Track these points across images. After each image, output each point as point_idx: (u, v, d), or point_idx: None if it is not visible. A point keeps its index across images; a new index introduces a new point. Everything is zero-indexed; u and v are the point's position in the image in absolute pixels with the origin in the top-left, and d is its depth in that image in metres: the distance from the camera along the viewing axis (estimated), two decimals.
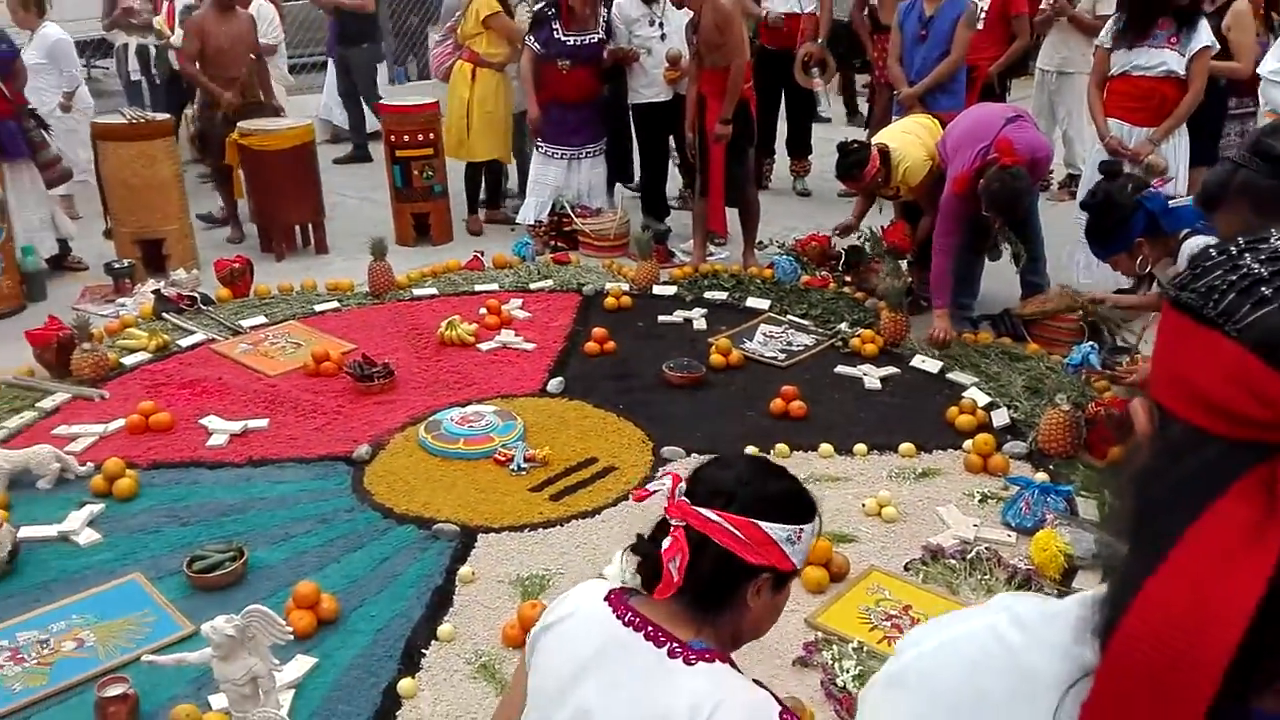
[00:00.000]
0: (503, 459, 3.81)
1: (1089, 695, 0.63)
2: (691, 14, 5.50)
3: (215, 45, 6.19)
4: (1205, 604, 0.56)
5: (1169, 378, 0.65)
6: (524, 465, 3.77)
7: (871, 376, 4.52)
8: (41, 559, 3.31)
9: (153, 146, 5.80)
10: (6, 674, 2.77)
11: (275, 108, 6.66)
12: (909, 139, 5.01)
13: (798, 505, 1.52)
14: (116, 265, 5.62)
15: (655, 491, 1.60)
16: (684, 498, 1.48)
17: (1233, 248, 0.64)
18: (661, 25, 6.07)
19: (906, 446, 3.89)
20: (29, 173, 5.61)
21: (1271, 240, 0.63)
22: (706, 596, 1.46)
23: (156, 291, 5.36)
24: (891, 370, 4.57)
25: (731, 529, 1.44)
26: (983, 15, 5.94)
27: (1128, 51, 4.84)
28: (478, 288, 5.54)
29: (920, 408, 4.26)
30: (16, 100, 5.56)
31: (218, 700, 2.58)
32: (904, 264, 5.32)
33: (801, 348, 4.82)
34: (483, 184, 6.79)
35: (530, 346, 4.84)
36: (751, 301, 5.30)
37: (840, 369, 4.60)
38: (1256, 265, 0.61)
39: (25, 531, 3.38)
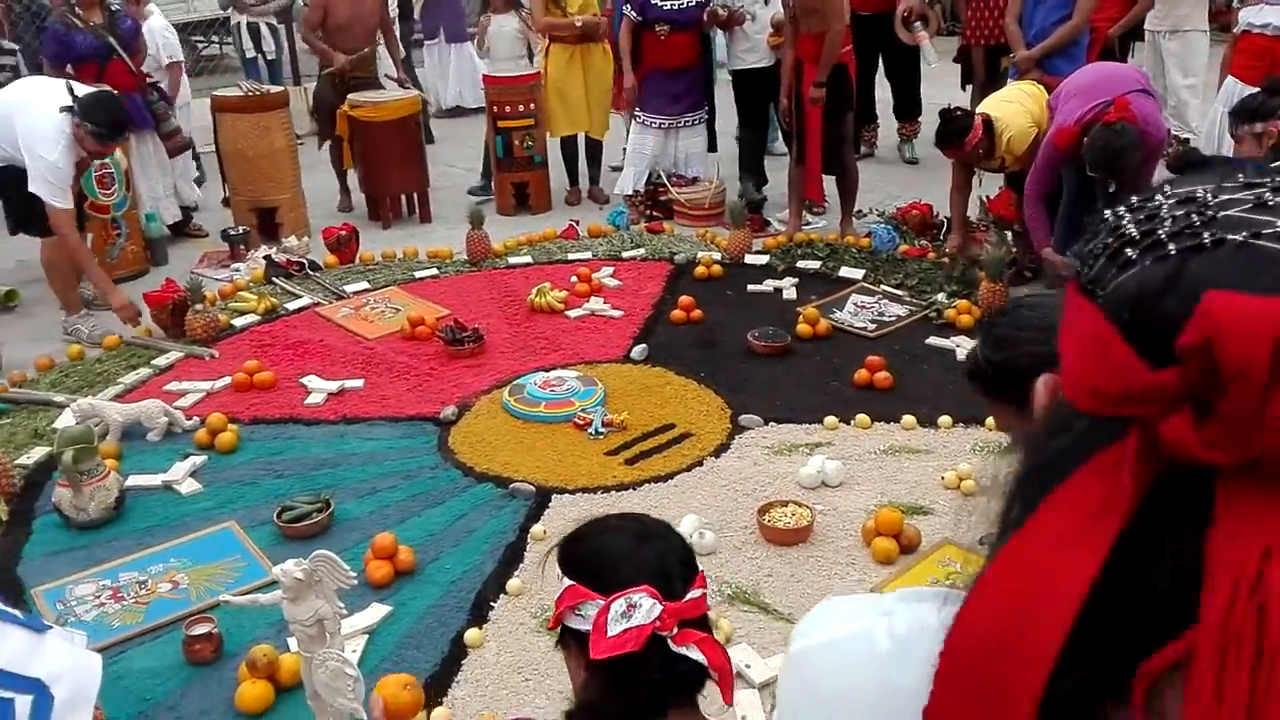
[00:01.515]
0: (582, 423, 3.86)
1: (929, 697, 0.58)
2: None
3: (336, 20, 6.37)
4: (1032, 593, 0.51)
5: (1062, 349, 0.60)
6: (602, 429, 3.81)
7: (964, 349, 4.38)
8: (146, 506, 3.53)
9: (267, 118, 6.04)
10: (107, 611, 2.98)
11: (399, 80, 6.84)
12: (1013, 107, 4.82)
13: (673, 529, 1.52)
14: (232, 232, 5.90)
15: (635, 624, 1.33)
16: (667, 602, 1.35)
17: (1123, 208, 0.58)
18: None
19: (994, 420, 3.76)
20: (153, 143, 5.92)
21: (1157, 197, 0.57)
22: None
23: (268, 257, 5.60)
24: None
25: (704, 590, 1.41)
26: None
27: (1246, 7, 4.57)
28: (571, 256, 5.60)
29: None
30: (140, 75, 5.87)
31: (295, 643, 2.71)
32: (1009, 234, 5.14)
33: (894, 318, 4.71)
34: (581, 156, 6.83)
35: (618, 314, 4.87)
36: (845, 271, 5.20)
37: (932, 340, 4.48)
38: (1132, 227, 0.55)
39: (133, 480, 3.61)
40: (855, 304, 4.84)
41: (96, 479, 3.38)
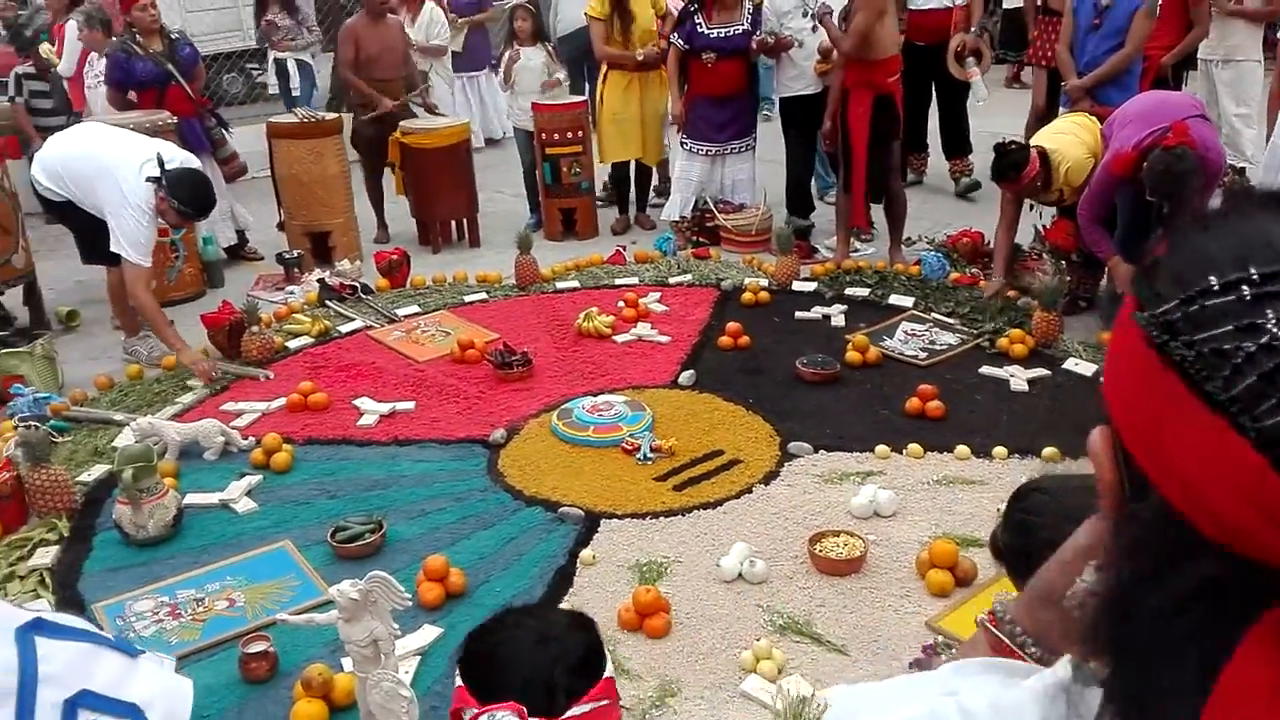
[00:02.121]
0: (630, 448, 3.86)
1: None
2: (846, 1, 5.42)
3: (367, 52, 6.49)
4: None
5: (1143, 432, 0.49)
6: (650, 455, 3.81)
7: (1019, 378, 4.34)
8: (203, 524, 3.58)
9: (321, 144, 6.15)
10: (165, 628, 3.02)
11: (430, 106, 6.94)
12: (1067, 138, 4.77)
13: (594, 629, 1.40)
14: (287, 255, 6.00)
15: None
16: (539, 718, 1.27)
17: (1246, 285, 0.47)
18: (814, 17, 5.98)
19: (1050, 451, 3.72)
20: (210, 168, 6.04)
21: None
22: None
23: (321, 280, 5.69)
24: (1041, 372, 4.38)
25: (599, 704, 1.29)
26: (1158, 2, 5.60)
27: None
28: (618, 281, 5.63)
29: (1069, 412, 4.06)
30: (199, 100, 6.01)
31: (349, 663, 2.73)
32: (1064, 264, 5.07)
33: (945, 347, 4.68)
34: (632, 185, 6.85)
35: (665, 339, 4.88)
36: (895, 299, 5.17)
37: (985, 370, 4.43)
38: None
39: (190, 498, 3.67)
40: (906, 332, 4.81)
41: (155, 497, 3.44)
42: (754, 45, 5.97)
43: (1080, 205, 4.57)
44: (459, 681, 1.35)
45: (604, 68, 6.50)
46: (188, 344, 4.72)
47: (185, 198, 4.43)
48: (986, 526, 3.31)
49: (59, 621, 0.87)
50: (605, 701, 1.31)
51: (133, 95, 5.90)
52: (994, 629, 0.78)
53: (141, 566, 3.35)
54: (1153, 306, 0.50)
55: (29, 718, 0.78)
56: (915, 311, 5.03)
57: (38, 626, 0.84)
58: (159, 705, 0.89)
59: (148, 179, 4.40)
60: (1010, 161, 4.66)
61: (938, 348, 4.67)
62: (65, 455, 4.01)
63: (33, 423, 3.94)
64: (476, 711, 1.27)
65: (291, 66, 7.82)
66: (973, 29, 6.33)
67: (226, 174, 6.21)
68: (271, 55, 8.03)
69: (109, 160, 4.48)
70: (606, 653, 1.38)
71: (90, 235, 4.76)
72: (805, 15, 6.00)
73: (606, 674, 1.33)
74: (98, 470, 3.90)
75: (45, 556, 3.39)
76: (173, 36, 6.03)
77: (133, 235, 4.46)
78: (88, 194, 4.55)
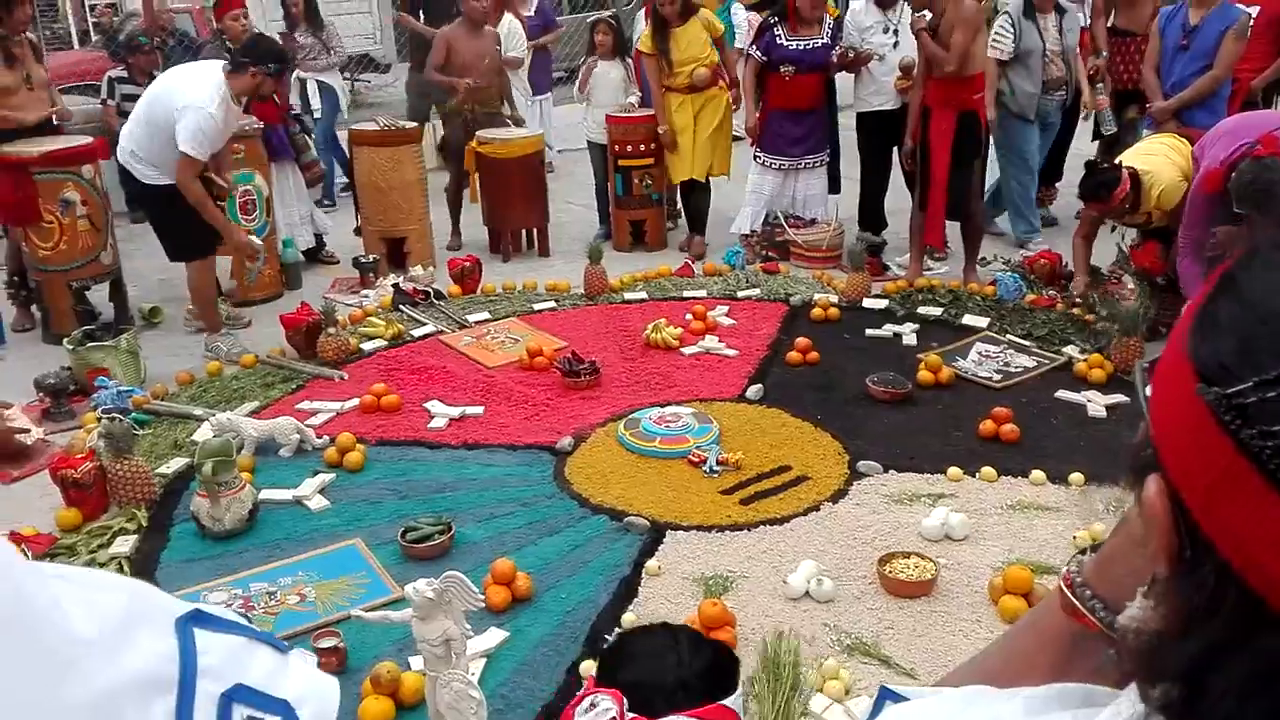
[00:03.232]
0: (696, 460, 3.85)
1: None
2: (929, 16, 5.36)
3: (460, 60, 6.57)
4: None
5: (1208, 503, 0.47)
6: (717, 468, 3.80)
7: (1096, 403, 4.24)
8: (277, 519, 3.65)
9: (400, 152, 6.26)
10: None
11: (517, 119, 6.98)
12: (1158, 160, 4.64)
13: (732, 661, 1.42)
14: (363, 260, 6.11)
15: None
16: (636, 715, 1.32)
17: None
18: (896, 32, 5.94)
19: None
20: (292, 172, 6.20)
21: None
22: None
23: (396, 285, 5.78)
24: (1120, 398, 4.27)
25: None
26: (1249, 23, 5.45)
27: None
28: (686, 293, 5.63)
29: None
30: (284, 107, 6.16)
31: (417, 662, 2.76)
32: (1149, 287, 4.93)
33: (1020, 369, 4.59)
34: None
35: (733, 353, 4.86)
36: (968, 319, 5.10)
37: (1062, 394, 4.34)
38: None
39: (265, 494, 3.74)
40: (980, 353, 4.74)
41: (233, 491, 3.52)
42: (834, 58, 5.93)
43: (1180, 236, 4.43)
44: (594, 671, 1.43)
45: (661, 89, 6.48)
46: (237, 226, 5.14)
47: (270, 56, 4.93)
48: (1062, 554, 3.25)
49: (215, 614, 0.87)
50: None
51: None
52: (1067, 592, 0.75)
53: (216, 559, 3.42)
54: (1219, 379, 0.46)
55: (189, 708, 0.78)
56: (990, 333, 4.94)
57: (197, 618, 0.83)
58: (309, 704, 0.87)
59: (224, 69, 4.84)
60: (1101, 180, 4.54)
61: (1013, 370, 4.58)
62: (146, 447, 4.11)
63: (116, 415, 4.06)
64: (585, 690, 1.34)
65: (311, 88, 7.45)
66: (1103, 53, 6.09)
67: (308, 179, 6.36)
68: (295, 74, 7.31)
69: (182, 79, 4.90)
70: (738, 688, 1.40)
71: (170, 229, 4.92)
72: (886, 31, 5.96)
73: (729, 704, 1.35)
74: (177, 463, 4.00)
75: (124, 545, 3.49)
76: None
77: (194, 129, 4.69)
78: (160, 115, 4.76)
